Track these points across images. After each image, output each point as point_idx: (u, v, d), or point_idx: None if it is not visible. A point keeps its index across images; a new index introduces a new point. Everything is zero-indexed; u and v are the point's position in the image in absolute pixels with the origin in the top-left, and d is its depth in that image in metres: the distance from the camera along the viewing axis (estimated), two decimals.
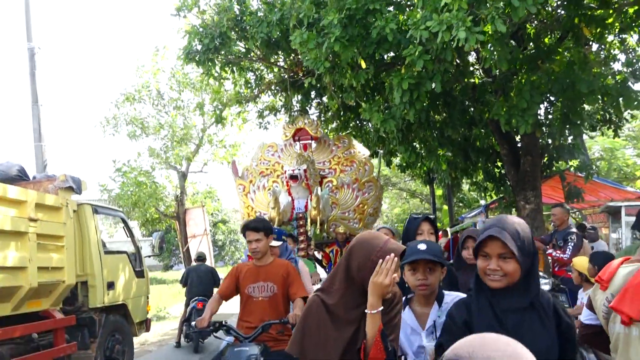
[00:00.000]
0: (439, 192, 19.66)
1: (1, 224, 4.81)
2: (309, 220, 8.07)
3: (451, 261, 3.97)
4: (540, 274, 5.10)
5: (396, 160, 13.15)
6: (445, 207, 19.35)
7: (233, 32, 9.00)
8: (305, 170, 8.11)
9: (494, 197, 12.64)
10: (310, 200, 7.96)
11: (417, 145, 10.75)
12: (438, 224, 23.22)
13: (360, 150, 9.70)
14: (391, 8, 7.36)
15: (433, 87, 6.69)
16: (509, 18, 5.62)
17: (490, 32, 5.72)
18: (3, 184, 5.06)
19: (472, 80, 8.82)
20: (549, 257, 6.17)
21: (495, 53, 6.28)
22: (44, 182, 6.01)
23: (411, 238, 2.94)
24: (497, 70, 6.99)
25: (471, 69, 9.14)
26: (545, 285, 5.00)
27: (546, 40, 8.22)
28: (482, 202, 14.82)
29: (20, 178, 6.04)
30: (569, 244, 5.37)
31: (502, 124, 7.05)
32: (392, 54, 8.01)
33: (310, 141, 9.67)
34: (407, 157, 10.70)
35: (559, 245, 5.67)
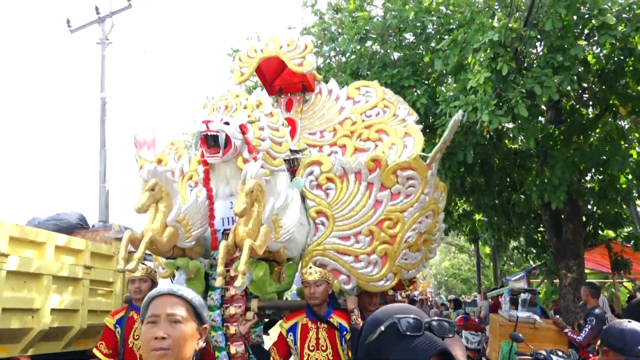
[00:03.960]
0: (486, 249, 19.27)
1: (60, 271, 5.45)
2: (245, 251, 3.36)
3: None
4: (561, 352, 5.14)
5: None
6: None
7: None
8: (243, 127, 3.72)
9: (537, 262, 12.37)
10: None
11: (452, 211, 10.76)
12: (485, 282, 22.49)
13: (401, 112, 4.77)
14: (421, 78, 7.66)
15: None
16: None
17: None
18: (67, 235, 5.75)
19: (514, 146, 8.92)
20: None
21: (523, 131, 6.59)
22: (101, 231, 6.71)
23: None
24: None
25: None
26: None
27: (583, 112, 8.30)
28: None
29: (80, 226, 6.77)
30: (587, 326, 5.37)
31: (535, 198, 7.24)
32: (421, 125, 8.22)
33: (299, 94, 5.17)
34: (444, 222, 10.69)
35: (581, 325, 5.69)
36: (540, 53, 6.82)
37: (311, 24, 9.91)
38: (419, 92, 7.21)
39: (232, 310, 3.63)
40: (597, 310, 5.54)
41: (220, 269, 3.07)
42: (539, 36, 6.43)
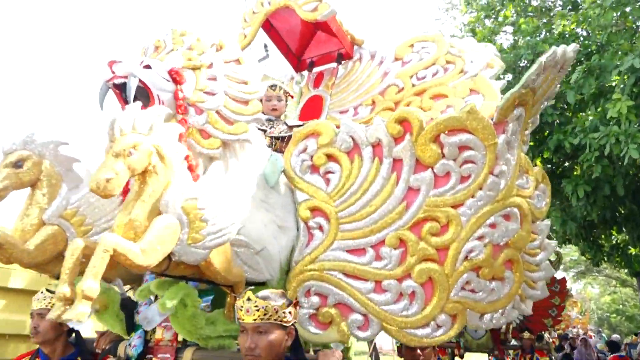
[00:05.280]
0: None
1: None
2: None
3: None
4: None
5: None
6: None
7: None
8: (174, 74, 2.26)
9: None
10: None
11: (604, 244, 9.51)
12: None
13: (473, 66, 3.17)
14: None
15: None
16: None
17: None
18: None
19: None
20: None
21: None
22: None
23: None
24: None
25: None
26: None
27: None
28: None
29: None
30: None
31: None
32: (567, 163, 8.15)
33: (332, 65, 3.71)
34: (592, 256, 9.46)
35: None
36: None
37: None
38: (566, 130, 6.82)
39: None
40: None
41: (61, 288, 1.67)
42: None
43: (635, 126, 5.40)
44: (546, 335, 12.36)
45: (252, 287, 1.96)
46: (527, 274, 2.58)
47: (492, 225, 2.38)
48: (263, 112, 3.20)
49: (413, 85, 3.27)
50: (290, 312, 1.81)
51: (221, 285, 2.18)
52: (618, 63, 5.83)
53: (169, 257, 1.86)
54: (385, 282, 2.36)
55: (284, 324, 1.79)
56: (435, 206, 2.34)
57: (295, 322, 1.86)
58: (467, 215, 2.34)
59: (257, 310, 1.75)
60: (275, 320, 1.76)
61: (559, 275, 8.21)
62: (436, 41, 3.43)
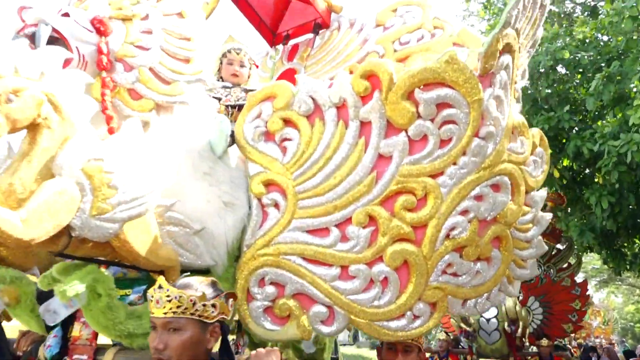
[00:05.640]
0: None
1: None
2: None
3: None
4: None
5: None
6: None
7: None
8: (98, 24, 1.91)
9: None
10: None
11: (627, 252, 9.33)
12: None
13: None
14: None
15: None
16: None
17: None
18: None
19: None
20: None
21: None
22: None
23: None
24: None
25: None
26: None
27: None
28: None
29: None
30: None
31: None
32: (587, 170, 8.21)
33: (309, 36, 3.37)
34: (615, 265, 9.37)
35: None
36: None
37: None
38: (584, 136, 6.80)
39: None
40: None
41: None
42: None
43: None
44: (567, 342, 11.81)
45: (188, 274, 1.60)
46: (516, 252, 2.17)
47: (478, 198, 1.99)
48: (222, 78, 2.86)
49: (395, 51, 2.81)
50: (214, 306, 1.44)
51: (150, 272, 1.82)
52: (639, 69, 5.85)
53: (68, 233, 1.51)
54: (353, 267, 1.97)
55: (205, 320, 1.42)
56: (411, 176, 1.95)
57: (224, 318, 1.50)
58: (448, 186, 1.95)
59: (169, 301, 1.38)
60: (192, 314, 1.39)
61: (579, 279, 7.72)
62: (422, 5, 3.04)
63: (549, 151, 2.37)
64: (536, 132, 2.33)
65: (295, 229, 2.02)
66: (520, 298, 6.95)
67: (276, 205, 2.06)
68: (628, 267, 9.82)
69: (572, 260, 7.97)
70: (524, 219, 2.20)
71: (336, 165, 2.01)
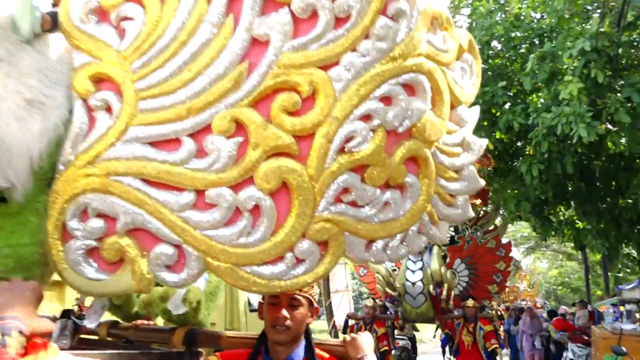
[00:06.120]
0: (597, 256, 16.25)
1: None
2: None
3: None
4: None
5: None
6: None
7: None
8: None
9: None
10: None
11: (553, 219, 10.19)
12: (598, 292, 19.68)
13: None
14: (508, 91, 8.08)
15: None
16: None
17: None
18: None
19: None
20: None
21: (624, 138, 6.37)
22: None
23: None
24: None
25: None
26: None
27: None
28: None
29: None
30: None
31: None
32: (519, 143, 8.75)
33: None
34: (543, 231, 10.10)
35: None
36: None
37: None
38: (515, 110, 7.32)
39: None
40: None
41: None
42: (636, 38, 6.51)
43: (585, 107, 5.81)
44: (494, 304, 12.21)
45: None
46: (441, 183, 1.68)
47: (385, 99, 1.48)
48: None
49: None
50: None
51: None
52: (569, 46, 6.22)
53: None
54: (212, 191, 1.41)
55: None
56: (294, 67, 1.41)
57: None
58: (343, 81, 1.43)
59: None
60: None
61: (504, 240, 7.74)
62: None
63: (480, 60, 1.89)
64: (464, 34, 1.84)
65: (133, 140, 1.43)
66: (447, 261, 6.88)
67: (108, 108, 1.45)
68: (554, 233, 10.51)
69: (499, 223, 8.02)
70: (450, 140, 1.71)
71: (192, 52, 1.42)
